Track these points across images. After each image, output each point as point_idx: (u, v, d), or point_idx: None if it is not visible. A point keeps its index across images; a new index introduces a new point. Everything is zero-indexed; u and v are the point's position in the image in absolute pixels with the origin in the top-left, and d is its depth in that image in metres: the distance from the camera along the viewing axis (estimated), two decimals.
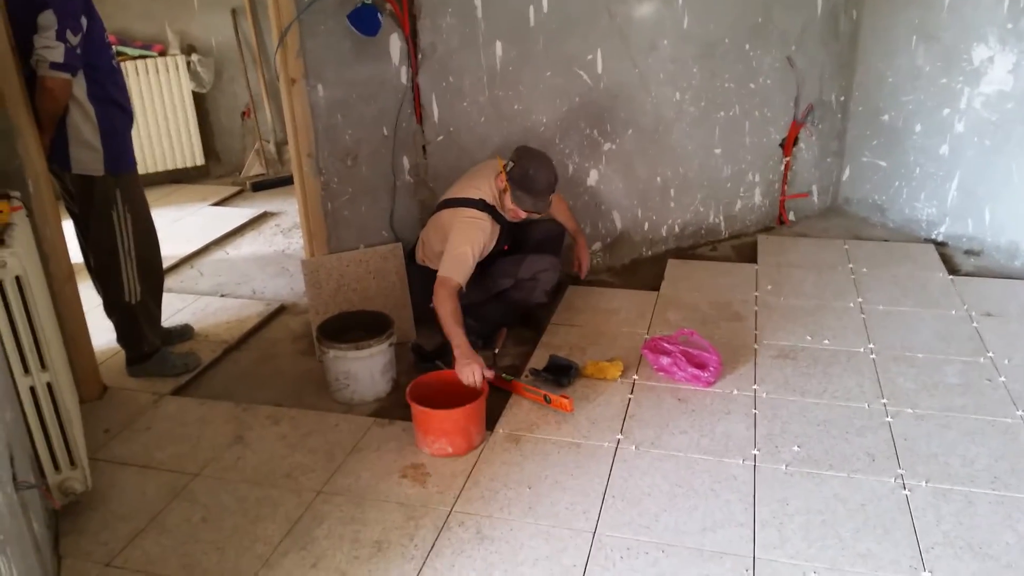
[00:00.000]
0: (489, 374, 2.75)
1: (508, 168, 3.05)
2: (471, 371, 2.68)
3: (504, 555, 2.14)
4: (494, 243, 3.15)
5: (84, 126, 2.71)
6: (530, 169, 3.02)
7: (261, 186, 5.69)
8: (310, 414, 2.84)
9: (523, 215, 3.11)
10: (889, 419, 2.68)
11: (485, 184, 3.11)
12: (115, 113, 2.79)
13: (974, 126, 3.97)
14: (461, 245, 2.96)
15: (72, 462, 2.25)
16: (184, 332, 3.41)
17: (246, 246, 4.64)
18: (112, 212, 2.84)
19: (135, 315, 3.01)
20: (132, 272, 2.94)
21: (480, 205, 3.04)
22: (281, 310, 3.72)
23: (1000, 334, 3.20)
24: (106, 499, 2.41)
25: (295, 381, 3.09)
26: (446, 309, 2.85)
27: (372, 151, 3.22)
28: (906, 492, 2.32)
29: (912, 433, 2.60)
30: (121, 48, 5.38)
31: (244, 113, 5.92)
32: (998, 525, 2.18)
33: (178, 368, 3.11)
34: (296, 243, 4.57)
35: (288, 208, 5.15)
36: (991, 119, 3.89)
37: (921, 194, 4.29)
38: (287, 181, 5.30)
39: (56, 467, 2.22)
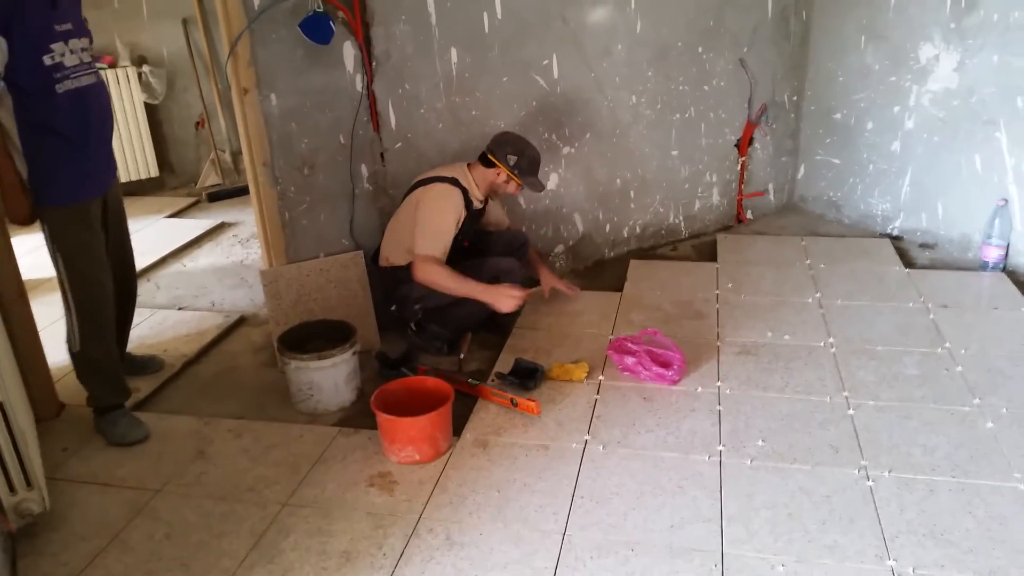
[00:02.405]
0: (523, 293, 3.03)
1: (511, 163, 3.13)
2: (508, 297, 3.00)
3: (474, 560, 2.13)
4: (461, 224, 3.17)
5: (12, 149, 2.48)
6: (527, 151, 3.17)
7: (217, 196, 5.62)
8: (273, 426, 2.80)
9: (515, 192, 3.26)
10: (851, 411, 2.72)
11: (459, 169, 3.17)
12: (45, 140, 2.48)
13: (924, 123, 4.05)
14: (434, 217, 2.99)
15: (28, 483, 2.20)
16: (149, 364, 3.20)
17: (203, 258, 4.57)
18: (46, 245, 2.61)
19: (77, 363, 2.77)
20: (72, 316, 2.67)
21: (452, 182, 3.07)
22: (241, 321, 3.67)
23: (956, 325, 3.27)
24: (66, 519, 2.35)
25: (257, 393, 3.05)
26: (441, 275, 2.99)
27: (329, 159, 3.19)
28: (870, 483, 2.36)
29: (874, 424, 2.64)
30: None
31: (198, 123, 5.85)
32: (959, 512, 2.22)
33: (115, 439, 2.73)
34: (255, 253, 4.52)
35: (246, 218, 5.09)
36: (939, 116, 3.97)
37: (875, 190, 4.37)
38: (244, 191, 5.25)
39: (11, 488, 2.17)
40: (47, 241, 2.59)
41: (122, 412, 2.81)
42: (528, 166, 3.17)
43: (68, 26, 2.48)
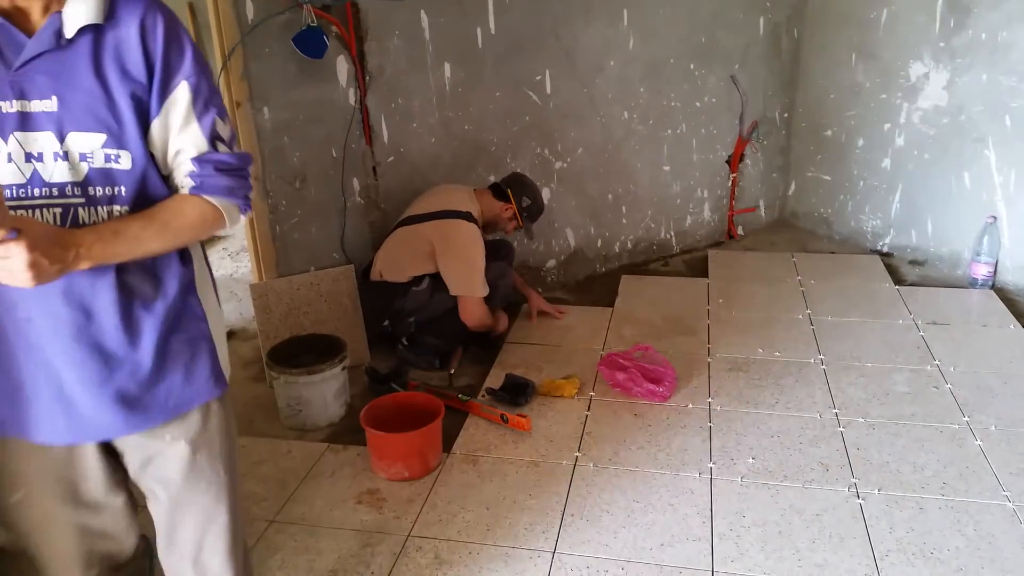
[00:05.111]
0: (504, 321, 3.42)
1: (523, 204, 3.27)
2: (501, 318, 3.34)
3: None
4: None
5: None
6: (538, 200, 3.34)
7: None
8: (261, 442, 2.78)
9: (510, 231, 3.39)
10: (841, 428, 2.72)
11: (468, 198, 3.19)
12: None
13: (914, 140, 4.07)
14: (476, 261, 3.08)
15: None
16: None
17: None
18: None
19: None
20: None
21: (468, 217, 3.11)
22: (230, 336, 3.65)
23: (945, 342, 3.28)
24: None
25: (245, 408, 3.03)
26: (487, 315, 3.16)
27: (321, 173, 3.19)
28: (860, 501, 2.35)
29: (864, 442, 2.64)
30: None
31: None
32: (948, 530, 2.22)
33: None
34: (244, 267, 4.50)
35: (236, 231, 5.07)
36: (929, 133, 4.00)
37: (866, 207, 4.39)
38: None
39: None
40: None
41: None
42: (535, 213, 3.32)
43: (45, 105, 1.22)
